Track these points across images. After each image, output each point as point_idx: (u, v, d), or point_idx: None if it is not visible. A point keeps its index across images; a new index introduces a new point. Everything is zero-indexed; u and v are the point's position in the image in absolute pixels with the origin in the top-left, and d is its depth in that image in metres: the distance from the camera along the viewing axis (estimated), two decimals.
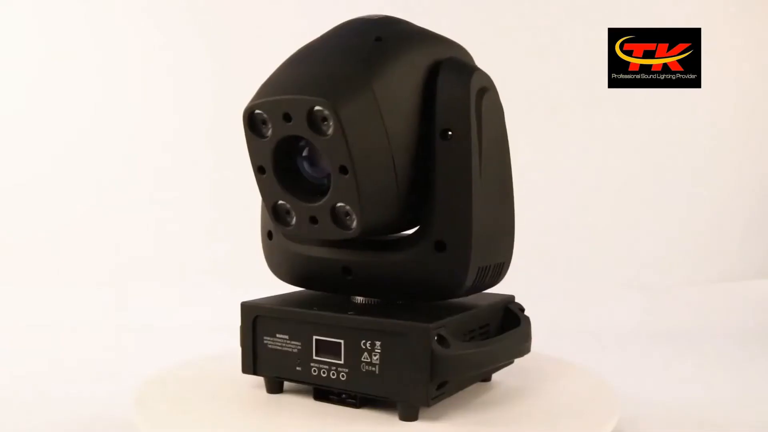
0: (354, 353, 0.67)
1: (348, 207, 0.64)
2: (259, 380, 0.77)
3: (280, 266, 0.77)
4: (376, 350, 0.66)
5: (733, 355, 1.21)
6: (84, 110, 1.59)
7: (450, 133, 0.67)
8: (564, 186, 1.60)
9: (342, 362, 0.68)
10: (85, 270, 1.53)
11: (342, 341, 0.68)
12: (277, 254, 0.77)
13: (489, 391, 0.76)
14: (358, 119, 0.62)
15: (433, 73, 0.68)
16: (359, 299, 0.74)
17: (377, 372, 0.66)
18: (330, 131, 0.62)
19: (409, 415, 0.66)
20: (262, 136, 0.66)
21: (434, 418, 0.67)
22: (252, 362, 0.74)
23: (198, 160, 1.59)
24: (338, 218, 0.66)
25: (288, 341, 0.72)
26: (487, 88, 0.69)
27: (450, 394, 0.68)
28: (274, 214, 0.70)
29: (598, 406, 0.73)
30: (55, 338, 1.29)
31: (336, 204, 0.65)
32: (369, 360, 0.67)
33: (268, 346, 0.73)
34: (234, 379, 0.79)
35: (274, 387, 0.75)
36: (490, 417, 0.68)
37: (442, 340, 0.64)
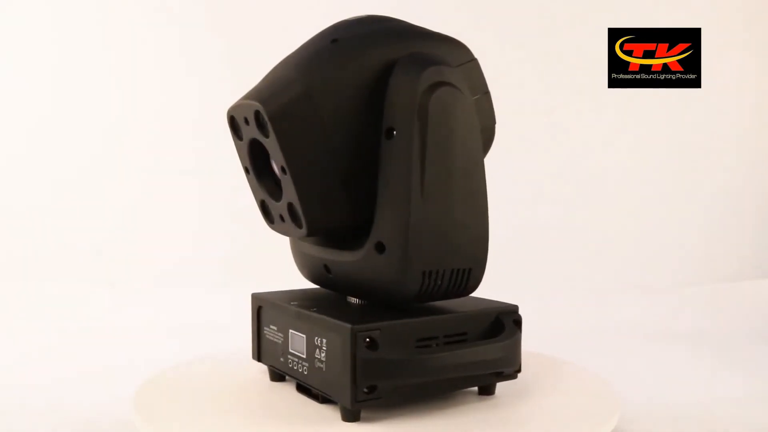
0: (311, 349, 0.69)
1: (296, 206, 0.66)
2: (258, 376, 0.79)
3: (296, 263, 0.80)
4: (323, 347, 0.67)
5: (734, 355, 1.21)
6: (91, 107, 1.59)
7: (394, 131, 0.65)
8: (564, 186, 1.60)
9: (305, 357, 0.70)
10: (85, 270, 1.53)
11: (305, 336, 0.70)
12: (293, 251, 0.79)
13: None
14: (293, 121, 0.64)
15: (389, 71, 0.67)
16: (353, 299, 0.74)
17: (324, 369, 0.67)
18: (270, 133, 0.64)
19: (347, 415, 0.66)
20: (241, 138, 0.71)
21: (397, 419, 0.66)
22: (257, 350, 0.79)
23: (197, 160, 1.59)
24: (295, 216, 0.68)
25: (276, 333, 0.75)
26: (442, 84, 0.65)
27: (393, 399, 0.66)
28: (262, 211, 0.74)
29: (598, 406, 0.73)
30: (55, 338, 1.29)
31: (290, 203, 0.67)
32: (320, 357, 0.68)
33: (266, 336, 0.77)
34: (233, 379, 0.80)
35: (275, 376, 0.78)
36: (489, 418, 0.68)
37: (372, 343, 0.63)
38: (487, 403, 0.72)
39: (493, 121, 0.75)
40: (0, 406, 0.91)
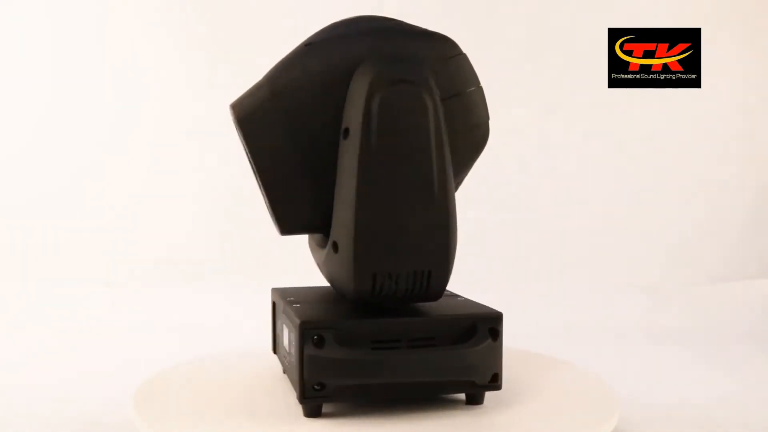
0: (291, 343, 0.70)
1: None
2: (258, 375, 0.80)
3: None
4: (293, 342, 0.68)
5: (733, 355, 1.21)
6: (90, 109, 1.59)
7: (349, 131, 0.65)
8: (564, 186, 1.60)
9: (288, 350, 0.72)
10: (85, 270, 1.53)
11: (287, 330, 0.71)
12: None
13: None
14: (258, 124, 0.66)
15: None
16: None
17: (292, 363, 0.69)
18: (240, 135, 0.67)
19: (306, 411, 0.66)
20: None
21: (365, 418, 0.66)
22: (273, 343, 0.81)
23: (197, 160, 1.59)
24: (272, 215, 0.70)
25: (280, 326, 0.77)
26: (401, 81, 0.64)
27: (348, 398, 0.67)
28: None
29: (598, 406, 0.73)
30: (55, 338, 1.29)
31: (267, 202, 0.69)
32: (290, 351, 0.69)
33: (277, 330, 0.79)
34: (233, 379, 0.80)
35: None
36: (487, 418, 0.68)
37: (320, 340, 0.64)
38: (485, 403, 0.71)
39: (486, 117, 0.72)
40: (0, 406, 0.91)
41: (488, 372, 0.68)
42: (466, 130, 0.69)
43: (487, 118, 0.73)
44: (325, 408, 0.68)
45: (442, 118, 0.65)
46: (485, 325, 0.68)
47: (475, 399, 0.71)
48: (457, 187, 0.73)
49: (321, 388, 0.64)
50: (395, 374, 0.65)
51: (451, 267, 0.68)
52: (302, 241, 0.79)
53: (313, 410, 0.66)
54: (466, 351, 0.67)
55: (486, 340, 0.68)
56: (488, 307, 0.72)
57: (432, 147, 0.65)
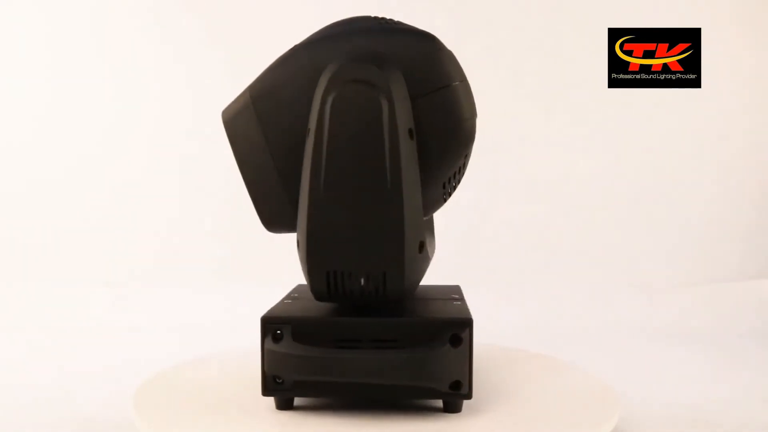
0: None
1: None
2: (256, 377, 0.79)
3: None
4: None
5: (733, 355, 1.21)
6: (89, 109, 1.59)
7: (310, 130, 0.66)
8: (564, 186, 1.60)
9: None
10: (85, 270, 1.53)
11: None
12: None
13: (487, 390, 0.76)
14: (239, 128, 0.69)
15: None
16: None
17: None
18: None
19: (276, 404, 0.68)
20: None
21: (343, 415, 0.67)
22: None
23: (198, 161, 1.59)
24: None
25: None
26: (354, 81, 0.64)
27: (308, 394, 0.68)
28: None
29: (598, 406, 0.73)
30: (55, 338, 1.29)
31: None
32: None
33: None
34: (232, 378, 0.80)
35: None
36: (486, 417, 0.68)
37: (279, 335, 0.66)
38: (485, 402, 0.71)
39: (473, 112, 0.71)
40: (0, 406, 0.91)
41: (447, 379, 0.66)
42: (451, 125, 0.68)
43: (474, 113, 0.72)
44: (320, 407, 0.68)
45: (403, 118, 0.65)
46: (448, 331, 0.66)
47: (451, 407, 0.68)
48: (452, 184, 0.72)
49: (281, 382, 0.66)
50: (352, 374, 0.64)
51: (409, 268, 0.66)
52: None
53: (281, 403, 0.68)
54: (423, 356, 0.65)
55: (444, 346, 0.66)
56: (461, 313, 0.69)
57: (385, 147, 0.64)
